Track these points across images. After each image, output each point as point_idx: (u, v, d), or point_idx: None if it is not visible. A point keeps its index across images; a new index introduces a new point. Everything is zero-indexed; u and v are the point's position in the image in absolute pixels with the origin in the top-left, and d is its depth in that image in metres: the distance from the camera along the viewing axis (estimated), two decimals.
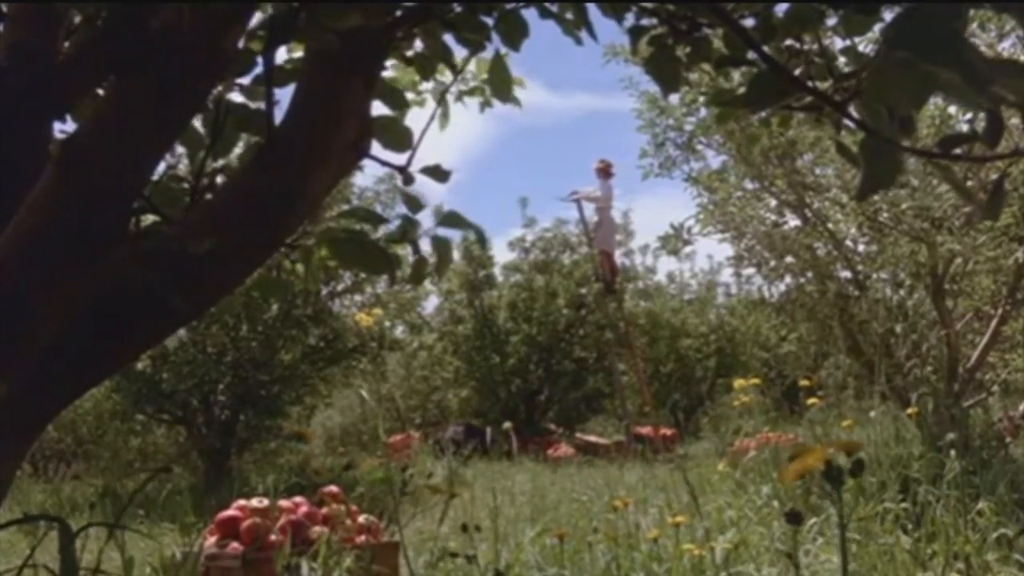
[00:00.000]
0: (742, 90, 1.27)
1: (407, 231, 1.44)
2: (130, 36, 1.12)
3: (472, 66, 1.70)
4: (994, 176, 5.60)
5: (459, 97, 1.78)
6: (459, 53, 1.46)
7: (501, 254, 14.93)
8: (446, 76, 1.65)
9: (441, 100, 1.65)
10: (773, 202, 7.48)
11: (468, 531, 2.99)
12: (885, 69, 0.77)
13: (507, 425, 5.76)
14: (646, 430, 11.26)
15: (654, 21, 1.34)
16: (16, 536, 5.36)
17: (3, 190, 1.16)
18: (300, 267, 1.46)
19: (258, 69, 1.34)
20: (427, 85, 1.71)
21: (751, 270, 8.18)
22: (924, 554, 3.54)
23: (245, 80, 1.40)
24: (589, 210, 12.95)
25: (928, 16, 0.71)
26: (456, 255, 11.38)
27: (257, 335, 9.48)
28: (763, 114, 1.51)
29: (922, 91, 0.76)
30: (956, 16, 0.72)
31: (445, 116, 1.65)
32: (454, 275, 13.86)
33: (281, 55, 1.36)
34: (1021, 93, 0.79)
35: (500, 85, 1.51)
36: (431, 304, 15.06)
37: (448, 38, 1.40)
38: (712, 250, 29.37)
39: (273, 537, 3.74)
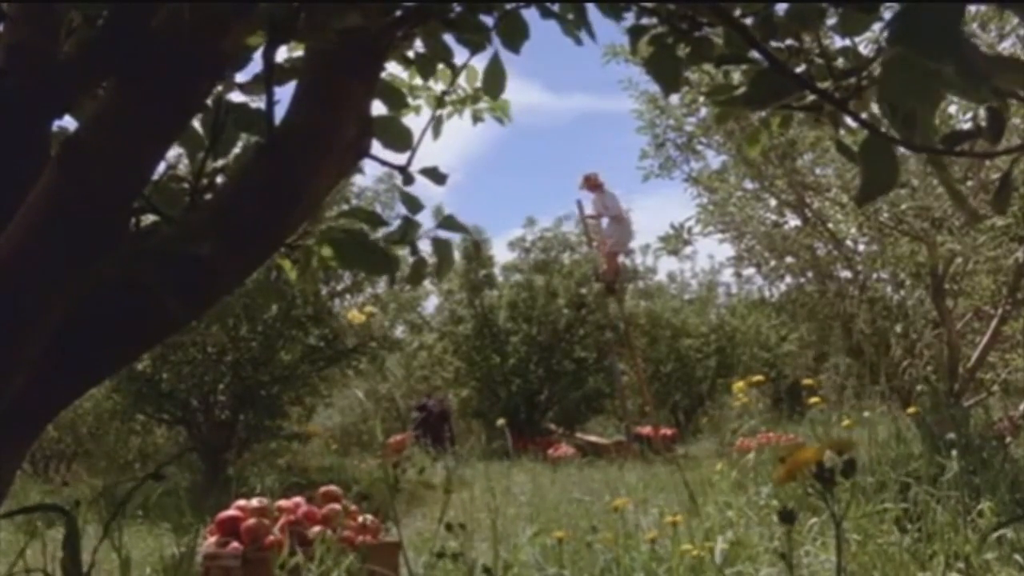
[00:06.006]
0: (742, 89, 1.27)
1: (407, 232, 1.44)
2: (130, 36, 1.12)
3: (463, 79, 1.71)
4: (995, 176, 5.60)
5: (454, 108, 1.78)
6: (460, 55, 1.46)
7: (501, 254, 14.94)
8: (440, 85, 1.66)
9: (438, 105, 1.65)
10: (773, 202, 7.48)
11: (463, 531, 2.98)
12: (891, 66, 0.77)
13: (501, 422, 5.72)
14: (646, 430, 11.26)
15: (654, 20, 1.34)
16: (16, 536, 5.37)
17: (3, 190, 1.15)
18: (293, 274, 1.46)
19: (258, 68, 1.34)
20: (422, 92, 1.71)
21: (751, 270, 8.20)
22: (924, 554, 3.54)
23: (245, 79, 1.40)
24: (604, 221, 12.61)
25: (928, 13, 0.71)
26: (456, 255, 11.32)
27: (257, 335, 9.48)
28: (763, 114, 1.51)
29: (928, 88, 0.76)
30: (956, 14, 0.72)
31: (438, 127, 1.66)
32: (454, 275, 13.85)
33: (281, 54, 1.36)
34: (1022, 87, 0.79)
35: (493, 84, 1.51)
36: (431, 304, 15.09)
37: (448, 38, 1.40)
38: (713, 250, 29.39)
39: (272, 537, 3.74)
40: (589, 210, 12.59)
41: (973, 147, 0.97)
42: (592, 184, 12.31)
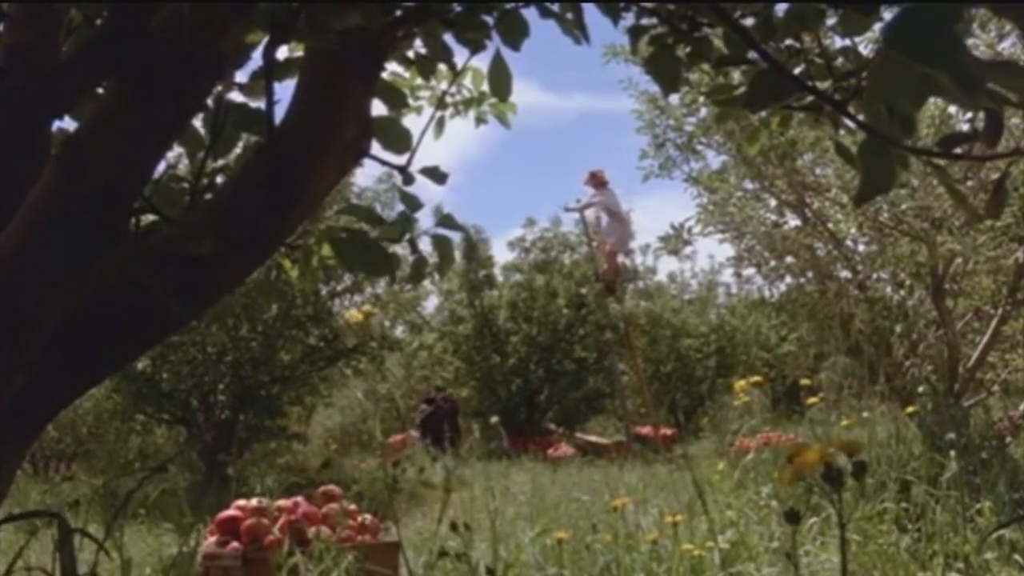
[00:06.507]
0: (742, 89, 1.27)
1: (404, 228, 1.44)
2: (130, 36, 1.12)
3: (468, 80, 1.71)
4: (994, 176, 5.60)
5: (456, 110, 1.78)
6: (460, 55, 1.46)
7: (501, 254, 14.94)
8: (442, 85, 1.66)
9: (439, 105, 1.65)
10: (773, 202, 7.48)
11: (463, 532, 2.98)
12: (884, 68, 0.77)
13: (494, 420, 5.74)
14: (646, 430, 11.26)
15: (654, 20, 1.34)
16: (16, 536, 5.36)
17: (3, 190, 1.16)
18: (293, 274, 1.47)
19: (258, 66, 1.34)
20: (423, 93, 1.71)
21: (751, 270, 8.19)
22: (924, 554, 3.54)
23: (245, 78, 1.40)
24: (604, 220, 12.52)
25: (924, 18, 0.71)
26: (456, 255, 11.19)
27: (257, 335, 9.48)
28: (763, 114, 1.51)
29: (921, 90, 0.76)
30: (952, 19, 0.72)
31: (440, 126, 1.65)
32: (454, 275, 13.85)
33: (281, 53, 1.36)
34: (1021, 92, 0.79)
35: (500, 85, 1.51)
36: (431, 304, 15.10)
37: (448, 38, 1.40)
38: (713, 250, 29.43)
39: (272, 537, 3.74)
40: (590, 209, 12.53)
41: (971, 149, 0.97)
42: (598, 181, 12.27)
